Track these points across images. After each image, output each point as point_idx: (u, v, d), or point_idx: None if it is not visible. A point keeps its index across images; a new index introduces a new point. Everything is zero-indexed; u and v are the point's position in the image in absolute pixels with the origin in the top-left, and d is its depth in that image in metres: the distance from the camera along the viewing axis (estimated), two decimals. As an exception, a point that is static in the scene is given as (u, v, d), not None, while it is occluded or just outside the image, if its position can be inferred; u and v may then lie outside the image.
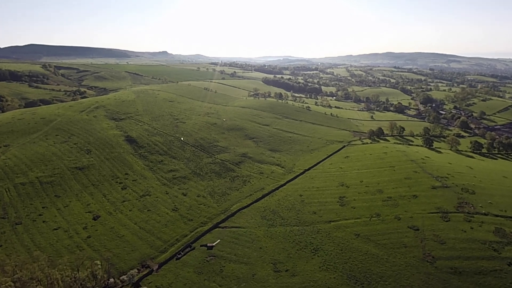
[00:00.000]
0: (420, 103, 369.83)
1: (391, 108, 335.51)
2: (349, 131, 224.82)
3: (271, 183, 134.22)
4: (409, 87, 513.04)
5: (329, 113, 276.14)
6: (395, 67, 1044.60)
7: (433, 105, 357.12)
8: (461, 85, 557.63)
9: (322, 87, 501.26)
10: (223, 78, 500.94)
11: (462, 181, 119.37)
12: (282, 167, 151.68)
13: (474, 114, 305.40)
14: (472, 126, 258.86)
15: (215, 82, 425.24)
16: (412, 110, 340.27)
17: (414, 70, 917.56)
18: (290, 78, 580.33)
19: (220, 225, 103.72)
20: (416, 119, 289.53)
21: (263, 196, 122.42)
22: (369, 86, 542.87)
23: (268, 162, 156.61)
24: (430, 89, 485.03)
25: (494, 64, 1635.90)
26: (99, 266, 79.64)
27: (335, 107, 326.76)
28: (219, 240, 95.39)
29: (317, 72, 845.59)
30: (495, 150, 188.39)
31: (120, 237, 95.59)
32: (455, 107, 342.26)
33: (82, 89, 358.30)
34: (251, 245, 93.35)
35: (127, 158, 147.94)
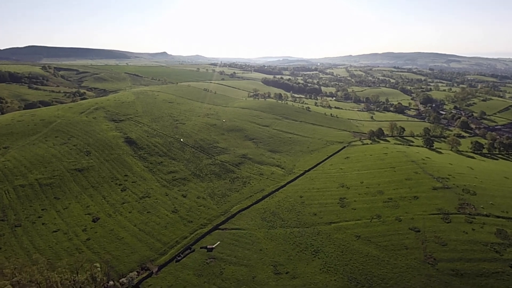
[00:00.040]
0: (420, 103, 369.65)
1: (391, 109, 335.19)
2: (349, 131, 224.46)
3: (271, 184, 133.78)
4: (409, 87, 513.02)
5: (329, 114, 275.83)
6: (394, 67, 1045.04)
7: (433, 105, 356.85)
8: (461, 85, 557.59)
9: (322, 88, 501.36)
10: (223, 79, 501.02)
11: (463, 182, 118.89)
12: (282, 168, 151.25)
13: (475, 114, 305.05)
14: (473, 126, 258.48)
15: (214, 83, 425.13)
16: (412, 110, 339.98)
17: (414, 70, 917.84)
18: (289, 79, 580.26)
19: (220, 227, 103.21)
20: (416, 120, 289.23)
21: (263, 198, 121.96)
22: (369, 86, 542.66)
23: (268, 163, 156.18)
24: (430, 89, 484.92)
25: (494, 64, 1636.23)
26: (99, 269, 79.14)
27: (335, 107, 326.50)
28: (219, 242, 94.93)
29: (317, 72, 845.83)
30: (495, 151, 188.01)
31: (119, 239, 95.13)
32: (455, 107, 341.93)
33: (82, 91, 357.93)
34: (251, 247, 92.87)
35: (126, 159, 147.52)
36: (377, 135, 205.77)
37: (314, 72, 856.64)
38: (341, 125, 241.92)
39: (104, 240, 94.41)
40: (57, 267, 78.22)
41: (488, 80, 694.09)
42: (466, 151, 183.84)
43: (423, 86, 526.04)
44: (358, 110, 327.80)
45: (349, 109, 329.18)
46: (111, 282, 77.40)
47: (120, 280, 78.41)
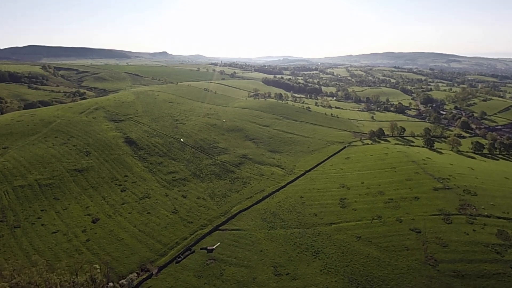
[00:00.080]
0: (421, 103, 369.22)
1: (392, 109, 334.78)
2: (349, 131, 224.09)
3: (271, 184, 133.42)
4: (409, 87, 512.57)
5: (329, 114, 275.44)
6: (395, 67, 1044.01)
7: (434, 105, 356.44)
8: (461, 85, 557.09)
9: (322, 88, 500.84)
10: (223, 79, 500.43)
11: (464, 182, 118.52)
12: (283, 169, 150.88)
13: (475, 114, 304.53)
14: (473, 126, 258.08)
15: (215, 82, 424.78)
16: (413, 110, 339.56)
17: (414, 70, 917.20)
18: (290, 79, 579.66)
19: (220, 228, 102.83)
20: (416, 120, 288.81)
21: (264, 198, 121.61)
22: (369, 86, 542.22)
23: (269, 164, 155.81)
24: (431, 89, 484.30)
25: (494, 63, 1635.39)
26: (98, 270, 78.86)
27: (335, 107, 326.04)
28: (219, 243, 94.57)
29: (317, 72, 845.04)
30: (496, 151, 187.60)
31: (119, 240, 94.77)
32: (455, 107, 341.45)
33: (82, 90, 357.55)
34: (251, 248, 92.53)
35: (126, 160, 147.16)
36: (378, 135, 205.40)
37: (315, 72, 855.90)
38: (342, 125, 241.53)
39: (104, 241, 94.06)
40: (57, 268, 77.89)
41: (488, 80, 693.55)
42: (467, 152, 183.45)
43: (423, 86, 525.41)
44: (358, 110, 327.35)
45: (349, 109, 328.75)
46: (110, 284, 77.03)
47: (120, 282, 78.08)
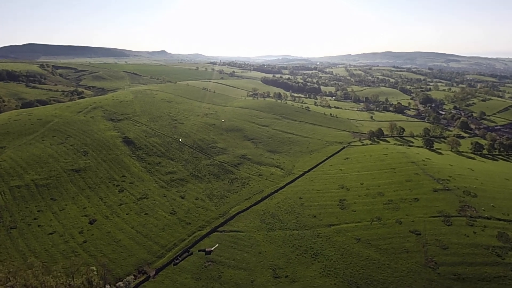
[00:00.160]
0: (420, 103, 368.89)
1: (391, 108, 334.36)
2: (348, 131, 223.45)
3: (270, 185, 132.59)
4: (408, 87, 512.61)
5: (328, 114, 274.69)
6: (394, 67, 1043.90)
7: (433, 105, 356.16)
8: (460, 85, 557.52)
9: (321, 87, 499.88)
10: (222, 78, 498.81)
11: (464, 183, 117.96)
12: (282, 169, 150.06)
13: (474, 115, 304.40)
14: (472, 126, 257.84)
15: (213, 82, 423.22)
16: (412, 110, 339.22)
17: (413, 70, 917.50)
18: (289, 78, 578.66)
19: (218, 229, 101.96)
20: (416, 120, 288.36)
21: (262, 199, 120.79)
22: (368, 86, 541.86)
23: (267, 164, 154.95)
24: (430, 89, 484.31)
25: (493, 63, 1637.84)
26: (95, 272, 77.88)
27: (335, 107, 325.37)
28: (217, 245, 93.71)
29: (316, 71, 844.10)
30: (496, 151, 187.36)
31: (116, 242, 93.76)
32: (454, 107, 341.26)
33: (80, 89, 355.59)
34: (250, 249, 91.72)
35: (124, 160, 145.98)
36: (377, 136, 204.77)
37: (314, 71, 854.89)
38: (341, 125, 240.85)
39: (101, 243, 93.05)
40: (53, 271, 76.91)
41: (487, 80, 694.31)
42: (466, 152, 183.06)
43: (422, 86, 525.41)
44: (357, 110, 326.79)
45: (348, 109, 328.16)
46: (107, 286, 76.08)
47: (117, 284, 77.07)
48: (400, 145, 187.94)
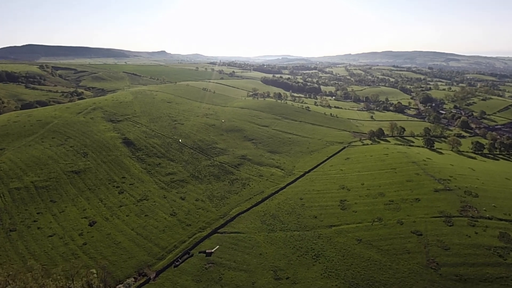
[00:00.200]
0: (420, 103, 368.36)
1: (391, 108, 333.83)
2: (349, 131, 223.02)
3: (270, 186, 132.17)
4: (408, 86, 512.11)
5: (328, 114, 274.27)
6: (394, 66, 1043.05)
7: (433, 104, 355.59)
8: (460, 84, 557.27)
9: (321, 87, 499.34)
10: (222, 78, 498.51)
11: (465, 183, 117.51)
12: (282, 170, 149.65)
13: (475, 114, 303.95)
14: (473, 126, 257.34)
15: (213, 82, 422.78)
16: (412, 109, 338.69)
17: (413, 69, 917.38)
18: (289, 78, 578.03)
19: (219, 231, 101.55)
20: (416, 119, 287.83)
21: (263, 200, 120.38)
22: (368, 85, 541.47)
23: (268, 164, 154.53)
24: (430, 88, 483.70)
25: (493, 62, 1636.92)
26: (95, 275, 77.56)
27: (335, 107, 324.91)
28: (218, 246, 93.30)
29: (316, 71, 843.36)
30: (496, 151, 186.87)
31: (116, 244, 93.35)
32: (455, 107, 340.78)
33: (80, 90, 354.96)
34: (250, 251, 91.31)
35: (124, 161, 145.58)
36: (377, 135, 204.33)
37: (314, 71, 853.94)
38: (341, 125, 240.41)
39: (101, 245, 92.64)
40: (52, 273, 76.46)
41: (487, 79, 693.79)
42: (467, 152, 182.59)
43: (422, 85, 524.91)
44: (358, 110, 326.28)
45: (348, 109, 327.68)
46: (107, 289, 75.73)
47: (117, 287, 76.79)
48: (401, 145, 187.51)
